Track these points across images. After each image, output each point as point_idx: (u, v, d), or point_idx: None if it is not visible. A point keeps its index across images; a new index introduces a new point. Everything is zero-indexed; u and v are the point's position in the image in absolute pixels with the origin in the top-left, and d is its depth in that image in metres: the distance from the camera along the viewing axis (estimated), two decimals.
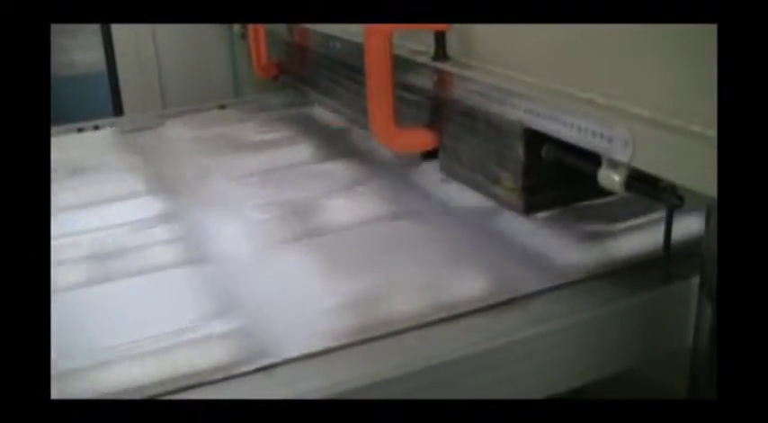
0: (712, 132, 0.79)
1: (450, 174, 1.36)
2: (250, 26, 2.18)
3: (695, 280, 1.09)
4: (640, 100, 0.92)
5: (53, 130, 2.03)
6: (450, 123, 1.33)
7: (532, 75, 1.11)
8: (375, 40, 1.29)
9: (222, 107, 2.39)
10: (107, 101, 2.67)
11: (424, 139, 1.38)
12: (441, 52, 1.29)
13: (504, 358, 1.08)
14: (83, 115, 2.33)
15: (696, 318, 1.07)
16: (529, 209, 1.17)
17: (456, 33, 1.28)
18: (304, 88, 2.11)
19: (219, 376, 1.02)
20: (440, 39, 1.29)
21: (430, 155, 1.40)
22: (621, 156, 0.93)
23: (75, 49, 2.86)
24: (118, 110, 2.65)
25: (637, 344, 1.17)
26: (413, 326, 1.11)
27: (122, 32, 2.61)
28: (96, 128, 2.25)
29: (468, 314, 1.13)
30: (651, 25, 0.88)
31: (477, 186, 1.28)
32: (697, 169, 0.82)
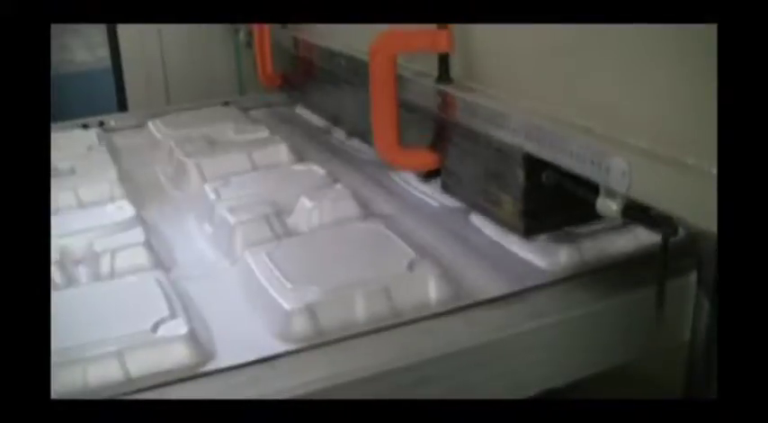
0: (707, 165, 0.81)
1: (452, 193, 1.38)
2: (255, 35, 2.20)
3: (693, 276, 1.11)
4: (638, 130, 0.94)
5: (57, 125, 2.05)
6: (452, 144, 1.36)
7: (532, 99, 1.13)
8: (380, 62, 1.32)
9: (226, 104, 2.41)
10: (112, 97, 2.70)
11: (426, 158, 1.41)
12: (444, 74, 1.33)
13: (503, 351, 1.10)
14: (89, 111, 2.35)
15: (693, 313, 1.10)
16: (529, 232, 1.19)
17: (459, 56, 1.31)
18: (307, 100, 2.12)
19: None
20: (443, 61, 1.32)
21: (433, 173, 1.42)
22: (618, 186, 0.95)
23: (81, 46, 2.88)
24: (122, 106, 2.67)
25: (635, 339, 1.19)
26: (410, 319, 1.13)
27: (128, 29, 2.63)
28: (101, 124, 2.27)
29: (466, 308, 1.16)
30: (650, 56, 0.91)
31: (477, 207, 1.31)
32: (692, 202, 0.85)
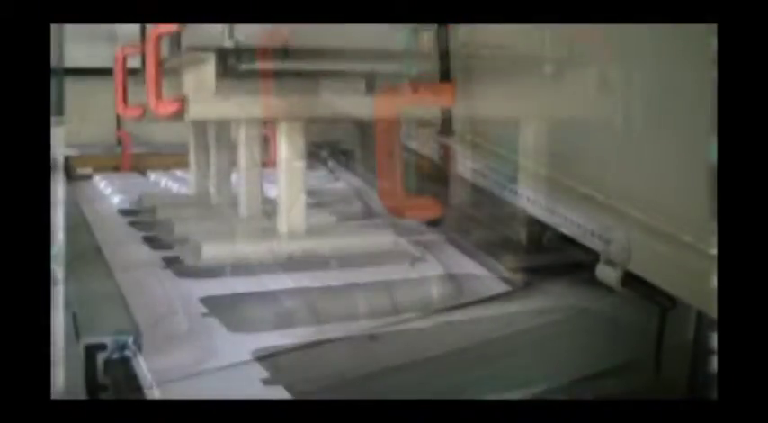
0: (704, 245, 0.82)
1: (454, 244, 1.38)
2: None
3: None
4: (639, 202, 0.94)
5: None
6: (455, 196, 1.36)
7: (534, 161, 1.13)
8: (385, 114, 1.32)
9: None
10: None
11: (429, 208, 1.40)
12: (447, 126, 1.32)
13: (505, 348, 1.10)
14: None
15: (697, 311, 1.08)
16: (528, 287, 1.20)
17: (462, 109, 1.30)
18: None
19: None
20: (446, 114, 1.32)
21: (436, 221, 1.43)
22: (618, 258, 0.95)
23: None
24: None
25: (639, 335, 1.18)
26: (412, 317, 1.14)
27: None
28: None
29: (469, 305, 1.17)
30: (654, 130, 0.91)
31: (479, 260, 1.31)
32: (690, 280, 0.86)
